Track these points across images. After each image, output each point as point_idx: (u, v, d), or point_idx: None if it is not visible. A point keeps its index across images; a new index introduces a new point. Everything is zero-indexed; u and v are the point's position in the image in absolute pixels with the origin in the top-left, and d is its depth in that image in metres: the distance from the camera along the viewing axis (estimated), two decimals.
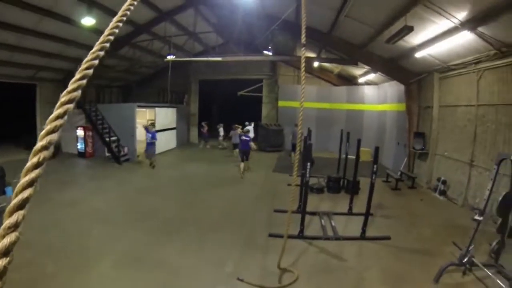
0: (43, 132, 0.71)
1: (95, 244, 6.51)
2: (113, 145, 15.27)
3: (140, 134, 17.55)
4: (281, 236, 5.69)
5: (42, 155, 0.69)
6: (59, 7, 11.02)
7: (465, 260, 5.20)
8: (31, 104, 17.05)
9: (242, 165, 12.70)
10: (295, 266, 5.66)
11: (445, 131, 10.46)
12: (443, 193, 10.03)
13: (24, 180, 0.66)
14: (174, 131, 20.24)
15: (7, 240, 0.60)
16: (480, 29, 6.89)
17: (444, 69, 10.00)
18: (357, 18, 9.75)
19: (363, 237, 6.86)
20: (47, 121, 0.73)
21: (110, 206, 9.05)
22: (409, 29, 7.81)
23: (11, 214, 0.63)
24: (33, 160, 0.68)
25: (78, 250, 6.21)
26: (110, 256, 5.99)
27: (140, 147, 16.57)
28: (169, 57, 15.47)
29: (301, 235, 6.82)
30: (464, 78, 9.32)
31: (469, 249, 5.20)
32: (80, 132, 16.21)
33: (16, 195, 0.65)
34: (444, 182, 10.07)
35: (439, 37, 8.06)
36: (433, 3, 6.94)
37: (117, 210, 8.72)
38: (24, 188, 0.66)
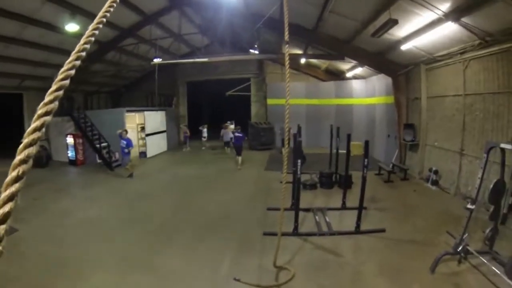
0: (21, 146, 0.71)
1: (90, 252, 6.42)
2: (104, 152, 15.07)
3: (131, 139, 17.43)
4: (275, 234, 5.65)
5: (21, 169, 0.68)
6: (41, 14, 10.84)
7: (460, 248, 5.24)
8: (18, 114, 16.75)
9: (239, 158, 14.48)
10: (291, 263, 5.66)
11: (434, 122, 10.57)
12: (435, 183, 10.13)
13: (4, 194, 0.66)
14: (164, 134, 20.05)
15: None
16: (464, 19, 6.95)
17: (431, 60, 10.09)
18: (341, 13, 9.76)
19: (357, 231, 6.88)
20: (25, 134, 0.72)
21: (104, 213, 8.95)
22: (393, 22, 7.86)
23: None
24: (12, 174, 0.67)
25: (72, 259, 6.12)
26: (105, 264, 5.92)
27: (132, 152, 16.45)
28: (156, 60, 15.37)
29: (295, 232, 6.82)
30: (450, 68, 9.43)
31: (463, 237, 5.25)
32: (70, 140, 15.95)
33: None
34: (436, 172, 10.17)
35: (424, 29, 8.12)
36: None
37: (111, 217, 8.63)
38: (5, 202, 0.65)
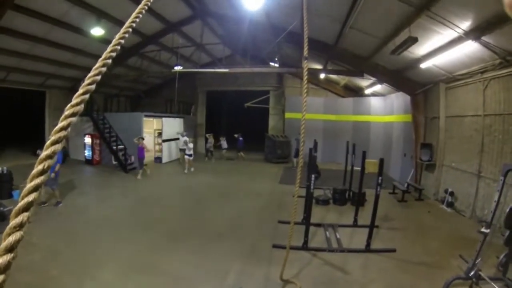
0: (48, 142, 0.77)
1: (100, 250, 6.55)
2: (120, 154, 15.40)
3: (147, 143, 17.72)
4: (284, 247, 5.60)
5: (46, 163, 0.75)
6: (69, 16, 11.33)
7: (472, 273, 5.04)
8: (40, 111, 17.47)
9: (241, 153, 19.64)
10: (298, 277, 5.58)
11: (452, 142, 10.34)
12: (450, 205, 9.85)
13: (29, 185, 0.73)
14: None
15: (12, 238, 0.67)
16: (484, 38, 6.86)
17: (450, 79, 9.95)
18: (361, 29, 9.77)
19: (368, 249, 6.73)
20: (52, 132, 0.79)
21: (117, 213, 9.15)
22: (413, 40, 7.80)
23: (17, 215, 0.69)
24: (38, 167, 0.74)
25: (82, 255, 6.27)
26: (114, 263, 6.02)
27: (147, 156, 16.69)
28: (176, 68, 15.71)
29: (305, 247, 6.75)
30: (470, 88, 9.26)
31: (476, 262, 5.06)
32: (87, 140, 16.42)
33: (22, 199, 0.71)
34: (451, 194, 9.90)
35: (444, 47, 8.02)
36: (437, 14, 6.92)
37: (123, 218, 8.80)
38: (30, 192, 0.72)
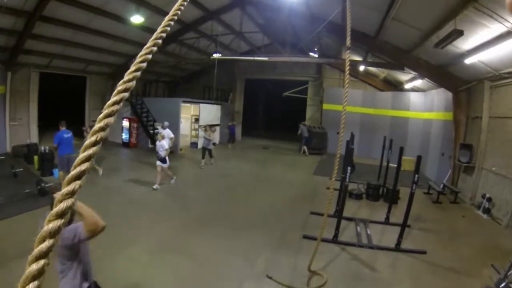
0: (101, 115, 0.80)
1: (131, 229, 6.94)
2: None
3: (184, 128, 18.22)
4: (315, 239, 5.69)
5: (99, 135, 0.78)
6: (110, 5, 11.87)
7: (503, 285, 4.84)
8: (81, 95, 18.40)
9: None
10: (326, 270, 5.62)
11: (494, 144, 9.70)
12: (487, 211, 9.31)
13: (82, 155, 0.75)
14: (217, 128, 20.60)
15: (64, 205, 0.69)
16: None
17: (496, 77, 9.28)
18: (404, 21, 9.37)
19: (398, 248, 6.63)
20: (105, 106, 0.81)
21: (150, 195, 9.55)
22: (458, 33, 7.37)
23: (69, 183, 0.71)
24: (91, 138, 0.77)
25: (115, 233, 6.63)
26: (142, 241, 6.39)
27: (184, 141, 17.17)
28: (215, 55, 15.93)
29: (335, 240, 6.79)
30: None
31: (508, 273, 4.86)
32: (125, 123, 17.14)
33: (75, 167, 0.73)
34: (489, 200, 9.34)
35: (491, 42, 7.49)
36: (485, 6, 6.48)
37: (156, 200, 9.20)
38: (82, 162, 0.75)
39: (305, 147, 18.99)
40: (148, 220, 7.57)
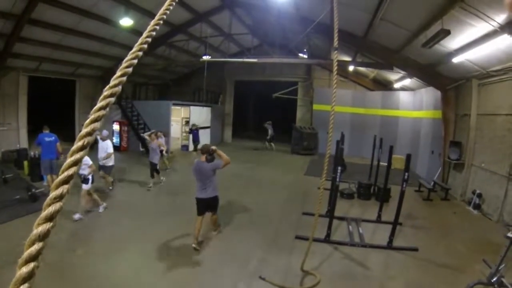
0: (87, 120, 0.81)
1: (124, 233, 6.93)
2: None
3: (175, 132, 18.10)
4: (307, 239, 5.70)
5: (86, 140, 0.79)
6: (98, 8, 11.70)
7: (494, 279, 4.89)
8: (70, 99, 18.13)
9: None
10: (319, 270, 5.65)
11: (483, 141, 9.86)
12: (477, 207, 9.46)
13: (70, 159, 0.76)
14: (208, 130, 20.54)
15: (52, 208, 0.70)
16: None
17: (483, 75, 9.44)
18: (392, 21, 9.46)
19: (389, 246, 6.68)
20: (92, 111, 0.83)
21: (142, 199, 9.51)
22: (445, 33, 7.47)
23: (57, 187, 0.72)
24: (78, 143, 0.78)
25: (108, 237, 6.69)
26: (136, 245, 6.37)
27: (175, 144, 17.03)
28: (205, 57, 15.83)
29: (327, 239, 6.82)
30: (505, 85, 8.73)
31: (500, 268, 4.91)
32: (116, 127, 17.00)
33: (63, 172, 0.74)
34: (479, 196, 9.49)
35: (478, 41, 7.60)
36: (471, 5, 6.57)
37: (148, 203, 9.15)
38: (70, 166, 0.76)
39: (272, 143, 20.25)
40: (141, 223, 7.49)
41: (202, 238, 6.71)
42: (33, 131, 14.78)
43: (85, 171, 7.43)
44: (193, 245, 6.19)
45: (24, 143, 14.19)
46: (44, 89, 18.92)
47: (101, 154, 9.42)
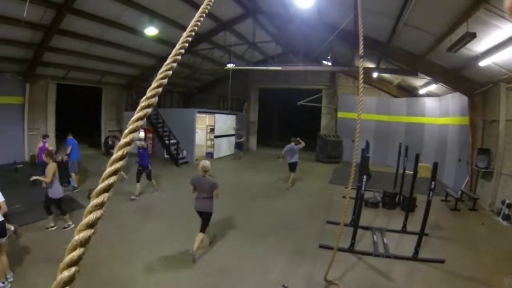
0: (126, 131, 0.86)
1: (144, 238, 7.10)
2: (172, 148, 16.21)
3: (199, 139, 18.41)
4: (331, 248, 5.68)
5: (125, 149, 0.84)
6: (123, 18, 12.24)
7: None
8: (96, 106, 18.87)
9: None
10: (342, 280, 5.59)
11: None
12: (507, 218, 9.04)
13: (110, 169, 0.80)
14: (232, 138, 20.65)
15: (93, 216, 0.73)
16: None
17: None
18: (416, 26, 9.32)
19: (415, 257, 6.51)
20: (130, 122, 0.87)
21: (165, 204, 9.73)
22: (471, 36, 7.29)
23: (98, 195, 0.77)
24: (118, 153, 0.82)
25: (128, 241, 6.88)
26: (157, 250, 6.48)
27: (199, 151, 17.29)
28: (229, 65, 16.16)
29: (351, 249, 6.73)
30: None
31: None
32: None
33: (103, 181, 0.78)
34: (509, 206, 9.07)
35: (505, 44, 7.36)
36: (496, 7, 6.44)
37: (170, 208, 9.33)
38: (110, 175, 0.79)
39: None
40: (164, 228, 7.70)
41: (225, 246, 6.82)
42: (60, 137, 15.56)
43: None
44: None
45: (52, 147, 14.72)
46: (72, 96, 19.70)
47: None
